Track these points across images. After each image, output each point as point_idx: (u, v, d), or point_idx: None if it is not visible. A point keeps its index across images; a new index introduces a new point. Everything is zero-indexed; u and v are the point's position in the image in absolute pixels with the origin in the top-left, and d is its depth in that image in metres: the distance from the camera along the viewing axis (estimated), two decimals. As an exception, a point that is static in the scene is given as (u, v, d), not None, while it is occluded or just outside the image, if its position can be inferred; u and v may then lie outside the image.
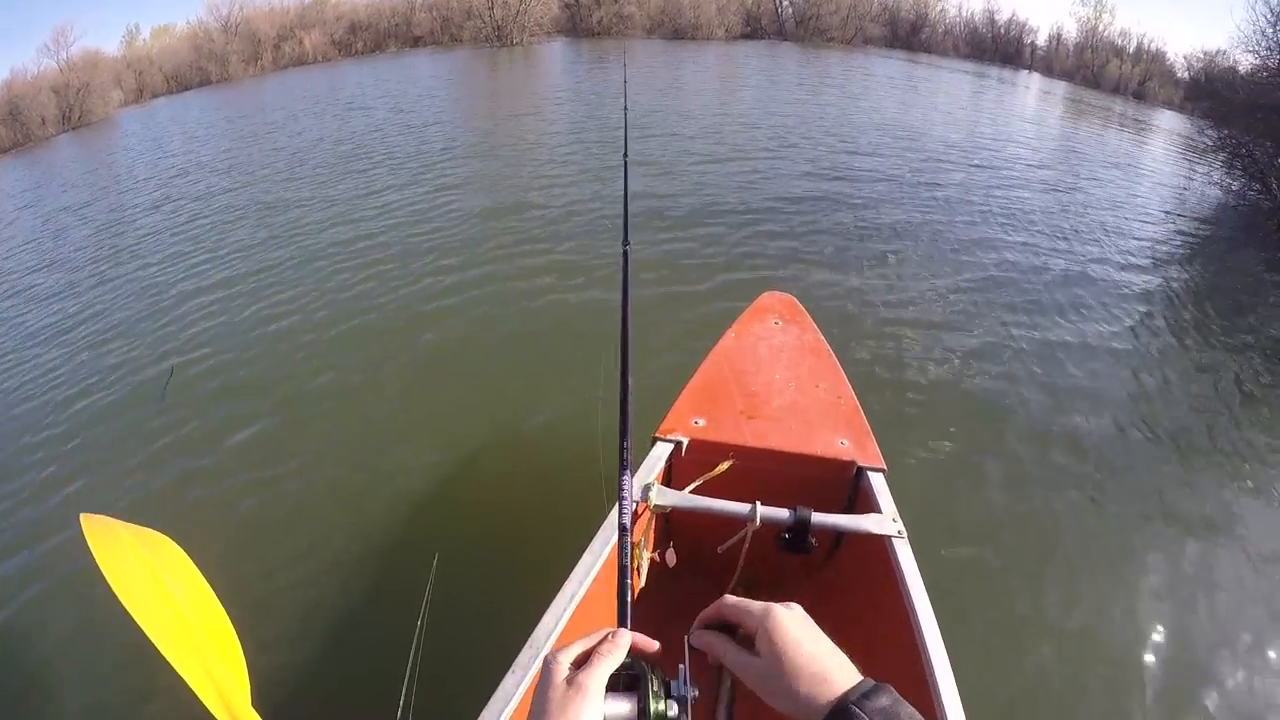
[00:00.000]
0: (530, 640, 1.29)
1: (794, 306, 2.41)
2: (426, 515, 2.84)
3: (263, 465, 3.26)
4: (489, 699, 1.18)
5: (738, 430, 1.84)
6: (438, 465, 3.10)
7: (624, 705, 0.63)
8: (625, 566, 0.74)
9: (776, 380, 2.02)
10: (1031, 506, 2.81)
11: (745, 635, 0.69)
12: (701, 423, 1.87)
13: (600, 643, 0.65)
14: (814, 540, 1.62)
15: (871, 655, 1.63)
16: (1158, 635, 2.33)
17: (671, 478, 1.86)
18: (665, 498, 1.64)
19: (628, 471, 0.81)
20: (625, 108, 2.80)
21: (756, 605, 0.68)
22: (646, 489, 1.64)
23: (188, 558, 1.26)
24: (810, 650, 0.65)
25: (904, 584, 1.44)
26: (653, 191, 6.72)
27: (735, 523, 1.63)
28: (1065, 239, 5.82)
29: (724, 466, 1.73)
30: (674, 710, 0.64)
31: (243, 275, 5.59)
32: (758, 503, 1.59)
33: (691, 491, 1.69)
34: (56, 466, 3.55)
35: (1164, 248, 5.96)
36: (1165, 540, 2.72)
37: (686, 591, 1.97)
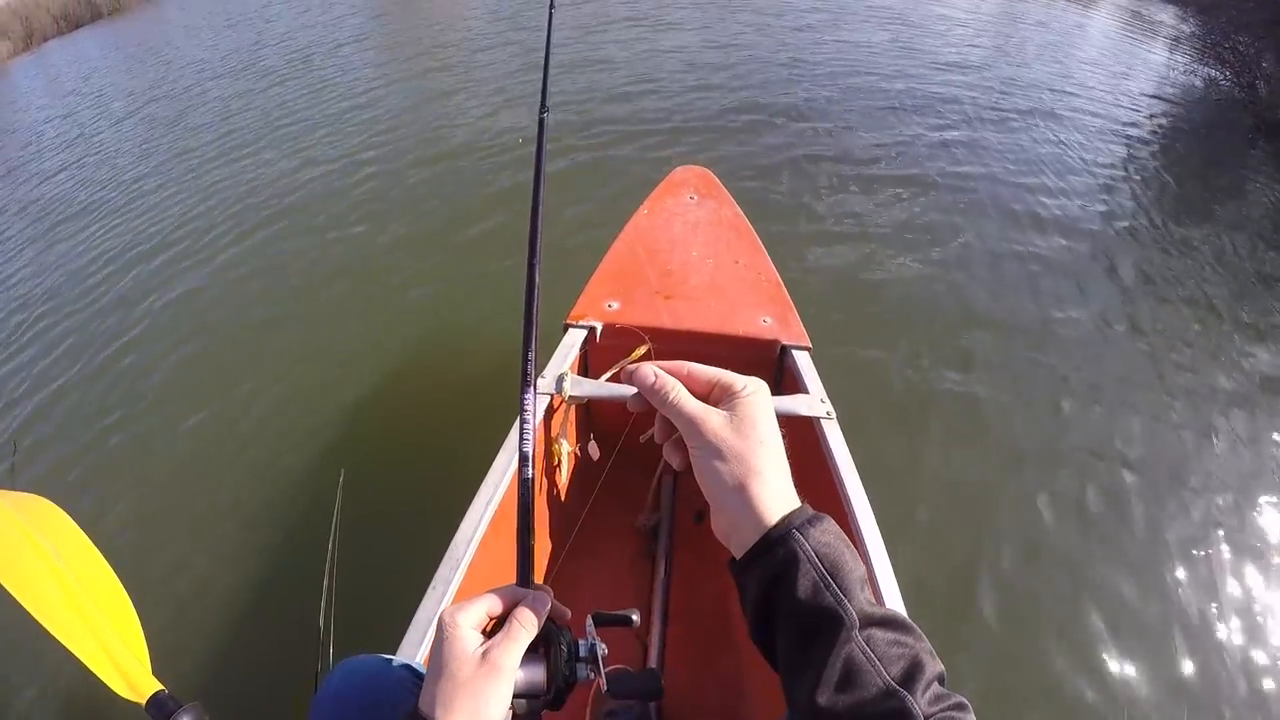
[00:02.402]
0: (430, 588, 1.18)
1: (710, 180, 2.26)
2: (331, 435, 2.63)
3: (139, 402, 2.98)
4: (402, 638, 1.09)
5: (654, 312, 1.74)
6: (341, 382, 2.86)
7: (534, 674, 0.57)
8: (528, 504, 0.63)
9: (693, 258, 1.91)
10: (971, 389, 2.71)
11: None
12: (615, 305, 1.76)
13: (515, 614, 0.57)
14: None
15: None
16: (1103, 512, 2.26)
17: (588, 366, 1.77)
18: (580, 388, 1.54)
19: (530, 389, 0.67)
20: None
21: (739, 377, 0.56)
22: (560, 379, 1.54)
23: (68, 518, 1.15)
24: (776, 454, 0.54)
25: (834, 467, 1.40)
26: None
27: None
28: (1021, 114, 5.45)
29: (640, 351, 1.64)
30: (583, 672, 0.60)
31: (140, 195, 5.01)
32: None
33: (608, 379, 1.60)
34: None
35: (1135, 131, 5.52)
36: (1108, 406, 2.65)
37: (614, 483, 1.93)
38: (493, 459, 1.41)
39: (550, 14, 1.24)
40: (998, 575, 2.07)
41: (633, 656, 1.60)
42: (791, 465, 1.59)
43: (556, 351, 1.65)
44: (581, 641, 0.60)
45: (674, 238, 1.98)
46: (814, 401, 1.53)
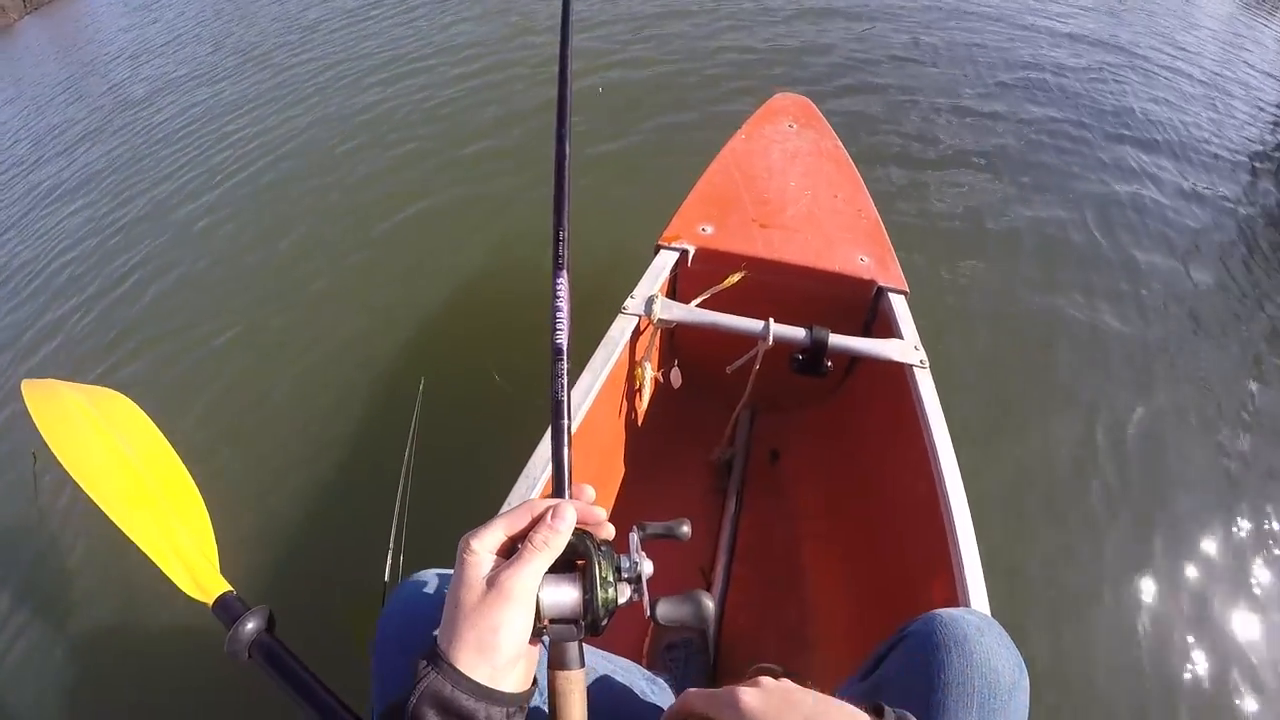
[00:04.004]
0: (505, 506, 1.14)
1: (810, 109, 2.13)
2: (413, 344, 2.59)
3: (226, 314, 2.96)
4: None
5: (749, 240, 1.65)
6: (427, 291, 2.81)
7: (564, 595, 0.51)
8: (561, 404, 0.58)
9: (791, 188, 1.81)
10: (1068, 358, 2.43)
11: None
12: (709, 230, 1.67)
13: (534, 527, 0.51)
14: (829, 363, 1.49)
15: (884, 489, 1.57)
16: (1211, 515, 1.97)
17: (676, 290, 1.70)
18: (670, 311, 1.49)
19: (562, 271, 0.63)
20: None
21: (725, 694, 0.54)
22: (650, 301, 1.48)
23: (144, 414, 1.13)
24: None
25: (924, 417, 1.33)
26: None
27: (746, 341, 1.49)
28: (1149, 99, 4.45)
29: (735, 278, 1.56)
30: (626, 594, 0.53)
31: (236, 128, 4.78)
32: (771, 320, 1.45)
33: (699, 305, 1.54)
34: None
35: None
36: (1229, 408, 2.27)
37: (691, 413, 1.89)
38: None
39: None
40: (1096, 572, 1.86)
41: (696, 585, 1.58)
42: (877, 412, 1.51)
43: (647, 273, 1.59)
44: (624, 558, 0.54)
45: (771, 165, 1.87)
46: (907, 348, 1.45)
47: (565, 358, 0.60)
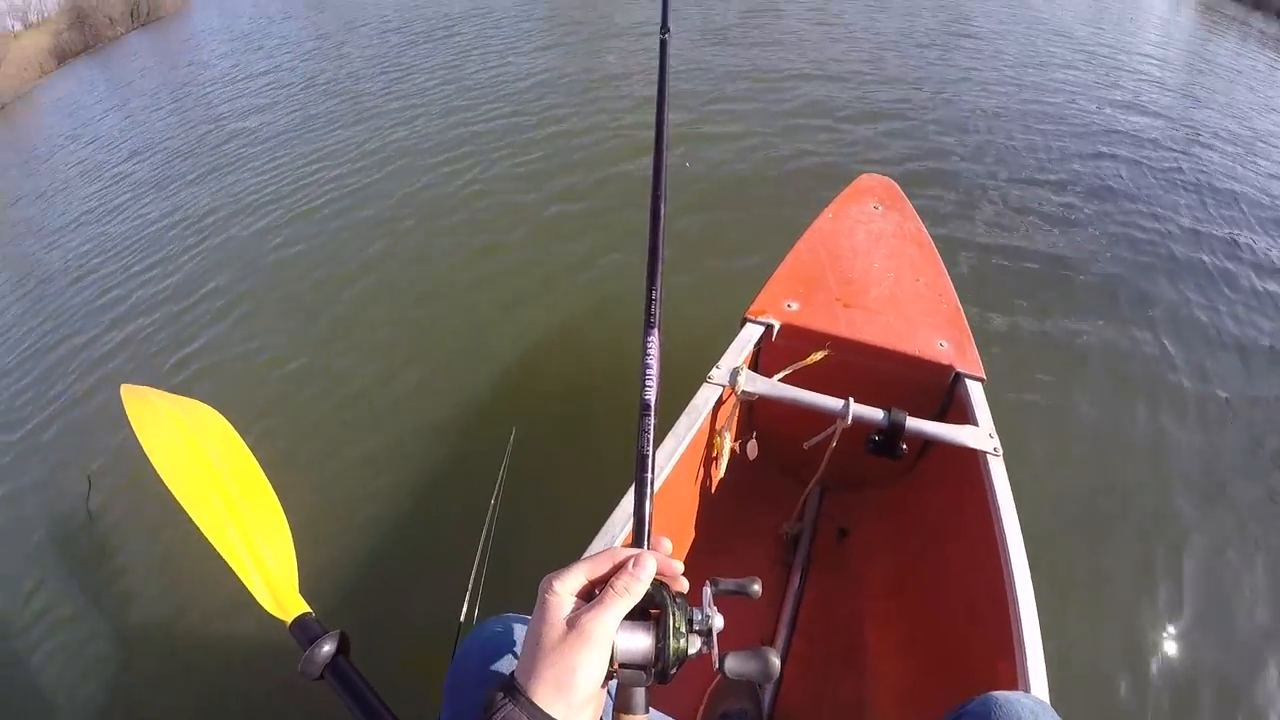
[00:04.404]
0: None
1: (895, 191, 2.19)
2: (509, 393, 2.69)
3: (327, 338, 3.15)
4: None
5: (833, 318, 1.69)
6: (527, 342, 2.92)
7: (638, 641, 0.52)
8: (646, 458, 0.60)
9: (875, 269, 1.85)
10: (1137, 468, 2.35)
11: None
12: (795, 306, 1.72)
13: (616, 573, 0.53)
14: (904, 446, 1.50)
15: (950, 572, 1.56)
16: None
17: (759, 363, 1.74)
18: (754, 384, 1.53)
19: (653, 330, 0.65)
20: None
21: None
22: (735, 373, 1.53)
23: (233, 429, 1.16)
24: None
25: (995, 505, 1.33)
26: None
27: (824, 418, 1.52)
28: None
29: (818, 356, 1.60)
30: (696, 646, 0.53)
31: (327, 147, 5.26)
32: (851, 399, 1.48)
33: (781, 379, 1.58)
34: (97, 340, 3.54)
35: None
36: None
37: (764, 485, 1.91)
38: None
39: None
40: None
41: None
42: (948, 498, 1.51)
43: (732, 345, 1.63)
44: (696, 611, 0.54)
45: (856, 246, 1.92)
46: (982, 435, 1.45)
47: (653, 414, 0.62)
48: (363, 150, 5.11)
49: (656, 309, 0.67)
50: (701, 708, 1.46)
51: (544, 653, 0.49)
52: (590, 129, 4.82)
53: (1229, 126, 5.32)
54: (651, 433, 0.62)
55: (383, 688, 0.88)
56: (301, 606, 0.94)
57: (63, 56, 14.61)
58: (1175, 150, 4.75)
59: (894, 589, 1.71)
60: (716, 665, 0.54)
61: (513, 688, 0.49)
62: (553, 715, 0.48)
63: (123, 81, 9.87)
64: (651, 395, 0.63)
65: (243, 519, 1.01)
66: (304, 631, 0.90)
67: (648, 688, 0.53)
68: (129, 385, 1.17)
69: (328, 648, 0.87)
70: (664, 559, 0.56)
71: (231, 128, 6.29)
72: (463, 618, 1.40)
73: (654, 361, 0.64)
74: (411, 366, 2.90)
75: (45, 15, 17.80)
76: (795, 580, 1.69)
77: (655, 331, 0.66)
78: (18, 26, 17.45)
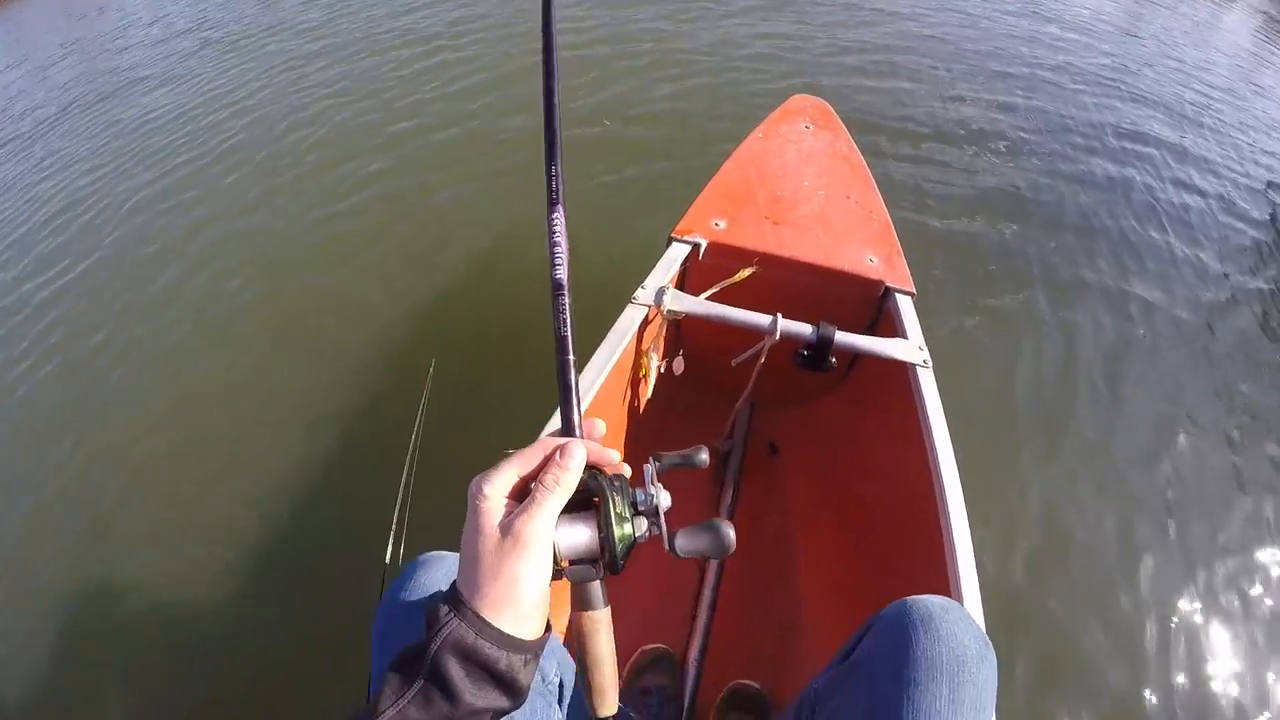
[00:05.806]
0: None
1: (827, 111, 2.15)
2: (425, 322, 2.59)
3: (239, 271, 2.98)
4: None
5: (761, 236, 1.67)
6: (438, 267, 2.83)
7: (580, 535, 0.50)
8: (564, 338, 0.58)
9: (805, 187, 1.82)
10: (1071, 380, 2.45)
11: None
12: (722, 225, 1.69)
13: (543, 467, 0.50)
14: (833, 360, 1.52)
15: (880, 484, 1.60)
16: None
17: (686, 283, 1.72)
18: (680, 303, 1.51)
19: (558, 206, 0.63)
20: None
21: None
22: (660, 293, 1.50)
23: None
24: None
25: (924, 416, 1.35)
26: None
27: (751, 335, 1.51)
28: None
29: (746, 273, 1.58)
30: (643, 527, 0.51)
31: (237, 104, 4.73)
32: (779, 315, 1.47)
33: (708, 298, 1.56)
34: None
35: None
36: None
37: (693, 404, 1.92)
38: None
39: None
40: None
41: (690, 576, 1.61)
42: (877, 410, 1.54)
43: (659, 264, 1.60)
44: (639, 492, 0.52)
45: (786, 165, 1.89)
46: (911, 348, 1.47)
47: (566, 292, 0.59)
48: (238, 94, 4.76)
49: (558, 184, 0.64)
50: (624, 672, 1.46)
51: (483, 565, 0.47)
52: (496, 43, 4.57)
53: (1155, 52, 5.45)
54: (568, 313, 0.59)
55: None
56: None
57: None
58: (1105, 74, 4.83)
59: (825, 502, 1.75)
60: (667, 545, 0.52)
61: (458, 601, 0.46)
62: (502, 629, 0.46)
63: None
64: (563, 273, 0.60)
65: None
66: None
67: (602, 580, 0.51)
68: None
69: None
70: (595, 446, 0.53)
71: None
72: (388, 559, 1.35)
73: (561, 238, 0.62)
74: (329, 301, 2.78)
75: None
76: (727, 497, 1.71)
77: (560, 208, 0.63)
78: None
